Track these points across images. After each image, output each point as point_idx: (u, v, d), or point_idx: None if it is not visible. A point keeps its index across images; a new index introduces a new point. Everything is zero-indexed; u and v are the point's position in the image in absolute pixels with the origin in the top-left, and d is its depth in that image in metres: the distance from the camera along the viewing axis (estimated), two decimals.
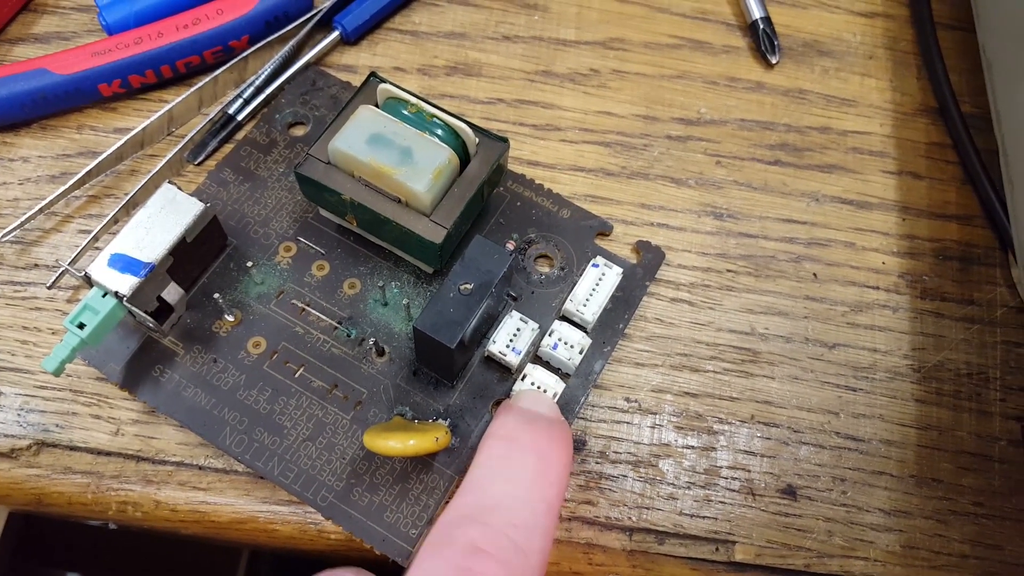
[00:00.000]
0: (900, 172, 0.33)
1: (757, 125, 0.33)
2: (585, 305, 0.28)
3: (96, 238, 0.29)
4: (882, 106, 0.34)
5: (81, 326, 0.25)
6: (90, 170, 0.30)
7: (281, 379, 0.28)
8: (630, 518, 0.27)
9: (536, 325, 0.28)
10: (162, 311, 0.27)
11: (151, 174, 0.30)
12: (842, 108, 0.34)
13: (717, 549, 0.27)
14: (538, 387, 0.27)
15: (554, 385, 0.27)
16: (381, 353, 0.28)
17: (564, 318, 0.29)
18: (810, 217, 0.32)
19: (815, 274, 0.31)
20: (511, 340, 0.27)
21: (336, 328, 0.28)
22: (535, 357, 0.28)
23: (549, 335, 0.28)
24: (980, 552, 0.28)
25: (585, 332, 0.28)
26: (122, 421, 0.28)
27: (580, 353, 0.28)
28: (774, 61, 0.34)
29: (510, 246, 0.27)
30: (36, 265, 0.30)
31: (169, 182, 0.27)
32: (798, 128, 0.33)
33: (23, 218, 0.29)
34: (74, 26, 0.34)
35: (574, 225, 0.30)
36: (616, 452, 0.28)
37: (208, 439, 0.27)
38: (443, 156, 0.27)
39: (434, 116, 0.27)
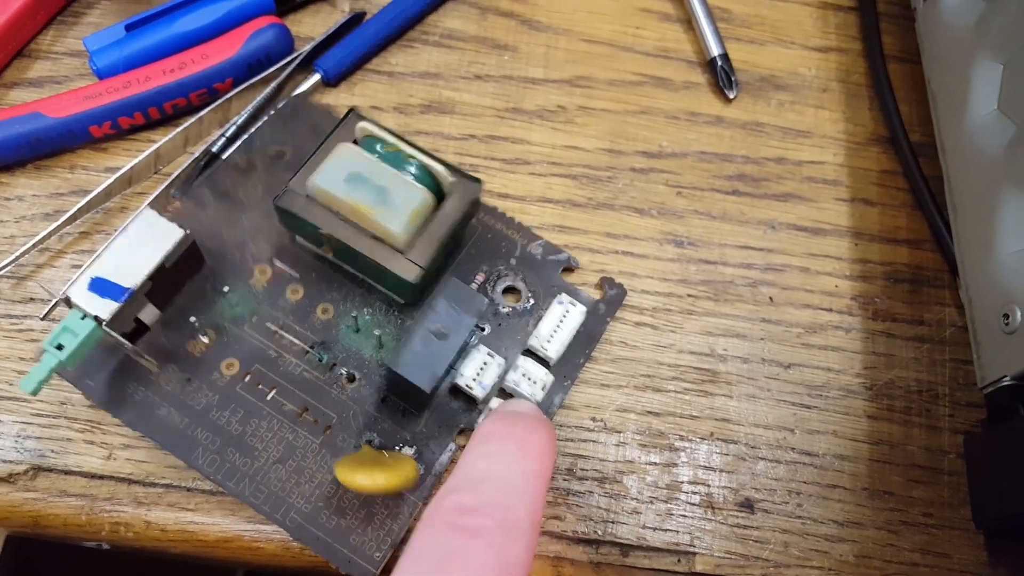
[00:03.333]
0: (853, 199, 0.35)
1: (716, 157, 0.35)
2: (549, 342, 0.29)
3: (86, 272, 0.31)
4: (835, 136, 0.36)
5: (60, 347, 0.26)
6: (81, 207, 0.31)
7: (253, 401, 0.28)
8: (596, 532, 0.29)
9: (503, 360, 0.29)
10: (138, 331, 0.28)
11: (139, 210, 0.32)
12: (797, 139, 0.36)
13: (679, 560, 0.29)
14: None
15: None
16: (351, 380, 0.29)
17: (528, 352, 0.30)
18: (766, 244, 0.33)
19: (771, 298, 0.32)
20: (478, 374, 0.28)
21: (308, 352, 0.29)
22: (500, 390, 0.29)
23: (514, 370, 0.29)
24: (930, 560, 0.29)
25: (548, 368, 0.29)
26: (114, 446, 0.29)
27: (543, 389, 0.29)
28: (732, 96, 0.36)
29: (480, 278, 0.28)
30: (31, 299, 0.31)
31: (150, 207, 0.28)
32: (755, 159, 0.35)
33: (17, 253, 0.31)
34: (66, 71, 0.35)
35: (542, 260, 0.32)
36: (583, 469, 0.29)
37: (181, 458, 0.28)
38: (419, 197, 0.28)
39: (410, 156, 0.29)
